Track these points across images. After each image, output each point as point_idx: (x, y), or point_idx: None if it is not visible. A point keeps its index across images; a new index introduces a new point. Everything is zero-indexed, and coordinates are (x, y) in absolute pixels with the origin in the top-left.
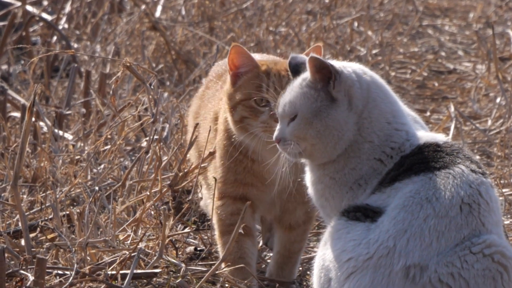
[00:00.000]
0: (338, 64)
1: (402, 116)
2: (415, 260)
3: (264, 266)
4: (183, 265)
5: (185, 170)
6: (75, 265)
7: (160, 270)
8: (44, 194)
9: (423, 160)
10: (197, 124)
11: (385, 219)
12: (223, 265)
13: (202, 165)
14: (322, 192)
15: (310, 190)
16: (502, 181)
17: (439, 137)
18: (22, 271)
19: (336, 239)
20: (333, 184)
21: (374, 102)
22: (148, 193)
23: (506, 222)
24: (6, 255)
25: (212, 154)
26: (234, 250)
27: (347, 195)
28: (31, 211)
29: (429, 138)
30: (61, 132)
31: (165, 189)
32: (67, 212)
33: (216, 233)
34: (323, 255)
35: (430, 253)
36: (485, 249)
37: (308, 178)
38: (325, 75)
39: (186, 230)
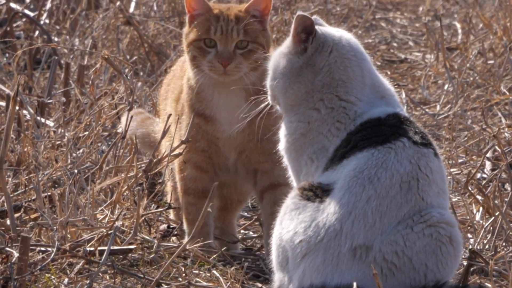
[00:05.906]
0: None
1: (356, 93)
2: (360, 241)
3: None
4: (156, 241)
5: (159, 157)
6: (57, 242)
7: (135, 246)
8: (27, 177)
9: (366, 136)
10: (170, 114)
11: (332, 200)
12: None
13: (172, 154)
14: (284, 152)
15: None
16: (450, 162)
17: (391, 111)
18: (7, 248)
19: (289, 220)
20: (288, 148)
21: (331, 69)
22: (124, 176)
23: (454, 199)
24: None
25: (183, 142)
26: (193, 212)
27: (304, 167)
28: (16, 193)
29: (374, 114)
30: (43, 120)
31: (140, 174)
32: (49, 194)
33: (179, 191)
34: (280, 234)
35: (374, 233)
36: (426, 229)
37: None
38: (308, 34)
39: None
